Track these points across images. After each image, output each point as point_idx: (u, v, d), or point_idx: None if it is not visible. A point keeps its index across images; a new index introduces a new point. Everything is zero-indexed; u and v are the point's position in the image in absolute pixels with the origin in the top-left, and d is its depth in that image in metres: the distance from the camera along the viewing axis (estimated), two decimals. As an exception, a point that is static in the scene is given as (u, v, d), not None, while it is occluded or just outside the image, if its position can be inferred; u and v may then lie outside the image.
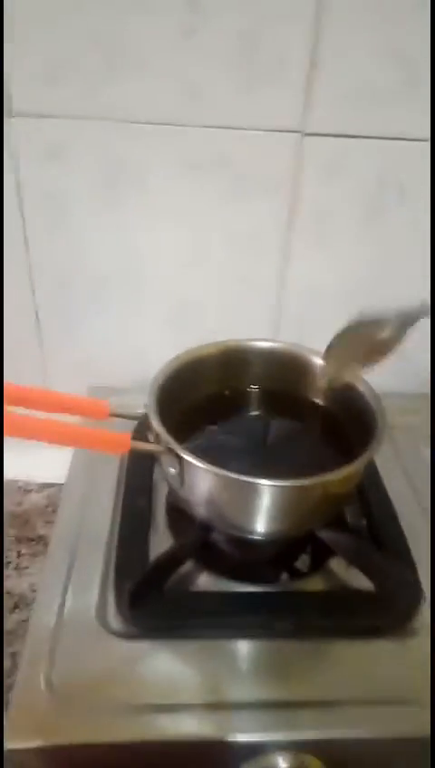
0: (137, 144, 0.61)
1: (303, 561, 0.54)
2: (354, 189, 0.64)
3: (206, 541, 0.52)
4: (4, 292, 0.68)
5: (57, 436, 0.43)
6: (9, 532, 0.65)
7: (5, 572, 0.61)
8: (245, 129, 0.60)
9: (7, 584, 0.60)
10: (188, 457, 0.45)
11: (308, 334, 0.71)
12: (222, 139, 0.61)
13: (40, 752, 0.40)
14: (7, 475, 0.71)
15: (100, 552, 0.53)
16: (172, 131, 0.60)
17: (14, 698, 0.42)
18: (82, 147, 0.61)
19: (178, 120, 0.60)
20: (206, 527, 0.52)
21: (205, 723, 0.42)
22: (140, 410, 0.51)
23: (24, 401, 0.48)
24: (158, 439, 0.48)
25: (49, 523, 0.66)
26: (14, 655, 0.53)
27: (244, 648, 0.47)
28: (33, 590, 0.59)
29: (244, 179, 0.63)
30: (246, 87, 0.58)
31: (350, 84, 0.58)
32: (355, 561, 0.51)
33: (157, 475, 0.60)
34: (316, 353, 0.56)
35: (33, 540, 0.65)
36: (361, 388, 0.53)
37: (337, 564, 0.53)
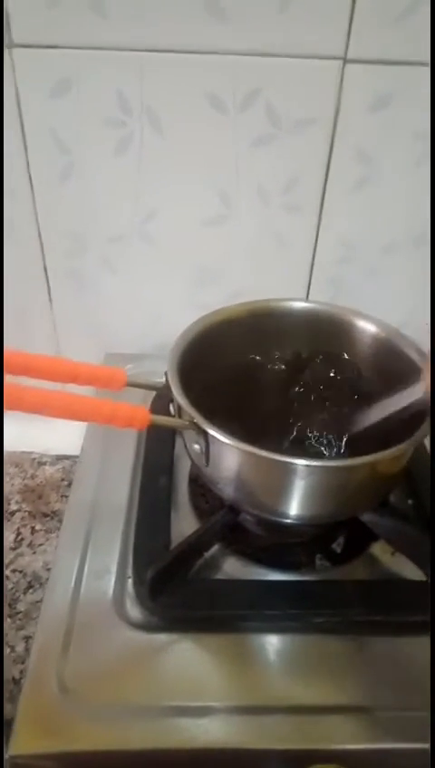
0: (153, 77, 0.54)
1: (340, 546, 0.49)
2: (402, 126, 0.56)
3: (233, 523, 0.48)
4: (12, 253, 0.63)
5: (67, 411, 0.38)
6: (23, 507, 0.62)
7: (19, 549, 0.58)
8: (278, 55, 0.53)
9: (21, 562, 0.56)
10: (214, 433, 0.40)
11: (341, 298, 0.65)
12: (252, 68, 0.53)
13: (50, 758, 0.36)
14: (20, 446, 0.67)
15: (117, 534, 0.49)
16: (194, 61, 0.53)
17: (23, 699, 0.38)
18: (92, 81, 0.54)
19: (201, 46, 0.52)
20: (233, 508, 0.47)
21: (231, 729, 0.38)
22: (160, 379, 0.46)
23: (31, 370, 0.43)
24: (180, 412, 0.43)
25: (64, 497, 0.62)
26: (27, 639, 0.49)
27: (277, 643, 0.42)
28: (48, 569, 0.55)
29: (275, 117, 0.55)
30: (280, 6, 0.50)
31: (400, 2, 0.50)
32: (402, 546, 0.46)
33: (178, 448, 0.56)
34: (359, 314, 0.50)
35: (47, 515, 0.61)
36: (411, 357, 0.47)
37: (380, 550, 0.48)
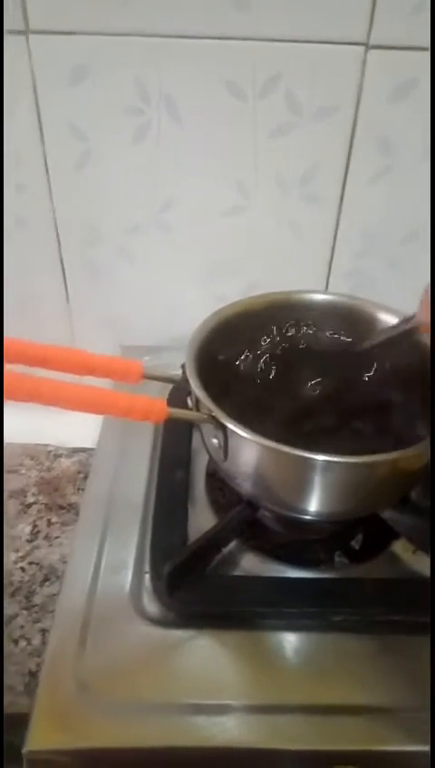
0: (172, 64, 0.53)
1: (359, 543, 0.48)
2: (425, 114, 0.54)
3: (252, 519, 0.47)
4: (27, 243, 0.62)
5: (83, 403, 0.37)
6: (39, 500, 0.61)
7: (35, 542, 0.57)
8: (299, 41, 0.51)
9: (37, 555, 0.56)
10: (233, 427, 0.39)
11: (360, 291, 0.64)
12: (272, 55, 0.52)
13: (66, 754, 0.36)
14: (36, 439, 0.67)
15: (134, 528, 0.49)
16: (213, 47, 0.52)
17: (39, 694, 0.38)
18: (109, 68, 0.53)
19: (220, 32, 0.51)
20: (251, 504, 0.46)
21: (248, 728, 0.37)
22: (177, 372, 0.45)
23: (48, 362, 0.42)
24: (198, 405, 0.42)
25: (80, 490, 0.62)
26: (43, 632, 0.49)
27: (295, 641, 0.42)
28: (64, 562, 0.55)
29: (296, 105, 0.54)
30: (302, -9, 0.49)
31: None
32: (423, 545, 0.45)
33: (195, 442, 0.55)
34: (380, 306, 0.49)
35: (63, 508, 0.61)
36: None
37: (401, 548, 0.47)
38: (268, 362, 0.51)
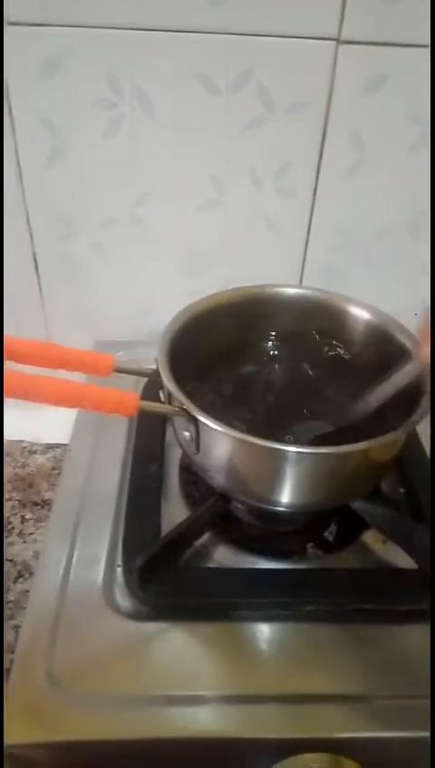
0: (144, 57, 0.52)
1: (332, 534, 0.49)
2: (397, 109, 0.55)
3: (224, 511, 0.47)
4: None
5: (53, 396, 0.37)
6: (13, 496, 0.61)
7: (9, 538, 0.57)
8: (271, 35, 0.51)
9: (11, 551, 0.56)
10: (204, 420, 0.40)
11: (334, 285, 0.64)
12: (245, 49, 0.52)
13: (39, 748, 0.36)
14: (10, 435, 0.66)
15: (107, 522, 0.48)
16: (186, 40, 0.52)
17: (10, 688, 0.38)
18: (81, 61, 0.53)
19: (193, 26, 0.51)
20: (224, 496, 0.46)
21: (222, 718, 0.37)
22: (150, 366, 0.45)
23: (18, 356, 0.42)
24: (170, 399, 0.42)
25: (55, 486, 0.61)
26: (16, 628, 0.49)
27: (268, 631, 0.42)
28: (38, 558, 0.54)
29: (268, 99, 0.54)
30: (273, -15, 0.49)
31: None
32: (393, 535, 0.45)
33: (169, 436, 0.55)
34: (352, 301, 0.49)
35: (38, 504, 0.60)
36: (402, 341, 0.46)
37: (372, 538, 0.47)
38: (241, 356, 0.51)
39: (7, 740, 0.35)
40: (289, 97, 0.54)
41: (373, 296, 0.53)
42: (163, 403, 0.43)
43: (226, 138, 0.56)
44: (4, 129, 0.56)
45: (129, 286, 0.66)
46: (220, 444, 0.41)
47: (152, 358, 0.46)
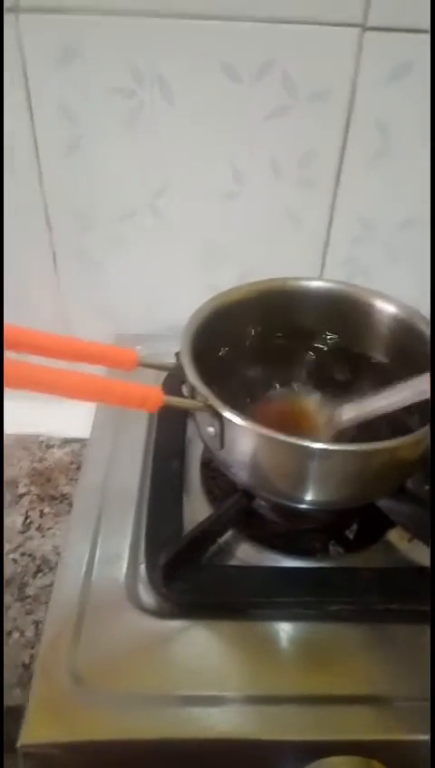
0: (165, 44, 0.51)
1: (355, 532, 0.48)
2: (422, 97, 0.53)
3: (247, 508, 0.46)
4: (17, 230, 0.61)
5: (79, 391, 0.36)
6: (31, 490, 0.61)
7: (28, 533, 0.57)
8: (294, 22, 0.50)
9: (30, 546, 0.55)
10: (229, 415, 0.39)
11: (356, 278, 0.63)
12: (267, 36, 0.51)
13: (61, 748, 0.35)
14: (28, 429, 0.66)
15: (128, 518, 0.48)
16: (208, 27, 0.51)
17: (34, 687, 0.37)
18: (101, 48, 0.52)
19: (215, 12, 0.50)
20: (247, 493, 0.46)
21: (244, 719, 0.36)
22: (171, 360, 0.44)
23: (41, 349, 0.42)
24: (193, 393, 0.41)
25: (73, 480, 0.61)
26: (36, 623, 0.49)
27: (291, 631, 0.41)
28: (58, 553, 0.54)
29: (292, 87, 0.53)
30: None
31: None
32: (420, 533, 0.44)
33: (190, 432, 0.54)
34: (377, 294, 0.48)
35: (56, 498, 0.60)
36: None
37: (397, 537, 0.47)
38: (263, 350, 0.50)
39: (29, 739, 0.35)
40: (313, 85, 0.53)
41: (396, 290, 0.51)
42: (187, 398, 0.43)
43: (247, 127, 0.55)
44: (23, 117, 0.55)
45: (147, 279, 0.66)
46: (245, 440, 0.40)
47: (171, 351, 0.45)
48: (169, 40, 0.51)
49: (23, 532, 0.56)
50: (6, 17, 0.50)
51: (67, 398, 0.37)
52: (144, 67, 0.52)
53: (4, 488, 0.60)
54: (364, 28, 0.50)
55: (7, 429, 0.65)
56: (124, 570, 0.44)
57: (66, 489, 0.61)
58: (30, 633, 0.48)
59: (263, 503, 0.47)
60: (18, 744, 0.35)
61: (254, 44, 0.51)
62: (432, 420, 0.39)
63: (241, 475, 0.43)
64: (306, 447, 0.37)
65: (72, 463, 0.64)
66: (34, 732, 0.35)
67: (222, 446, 0.41)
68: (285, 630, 0.41)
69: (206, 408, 0.40)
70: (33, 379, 0.35)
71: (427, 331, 0.46)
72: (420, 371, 0.40)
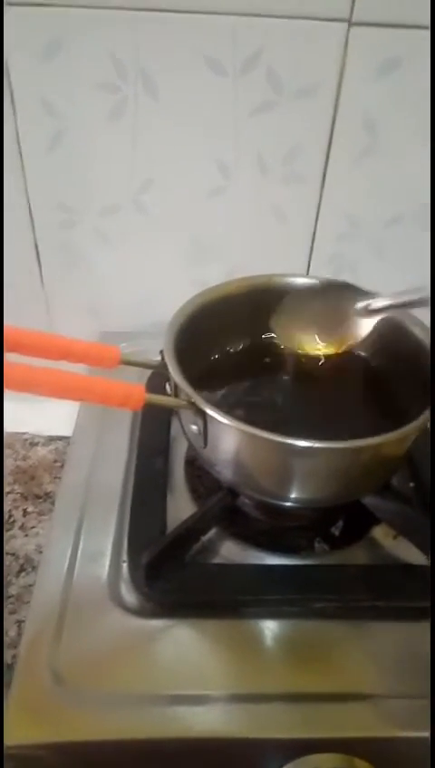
0: (149, 38, 0.51)
1: (340, 529, 0.48)
2: (409, 93, 0.53)
3: (232, 506, 0.46)
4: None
5: (58, 389, 0.36)
6: (14, 489, 0.60)
7: (11, 531, 0.56)
8: (280, 16, 0.50)
9: (13, 545, 0.55)
10: (212, 413, 0.38)
11: (343, 275, 0.63)
12: (253, 30, 0.50)
13: (42, 748, 0.35)
14: (12, 427, 0.65)
15: (111, 516, 0.47)
16: (193, 21, 0.50)
17: (14, 686, 0.37)
18: (84, 42, 0.51)
19: (200, 6, 0.49)
20: (232, 491, 0.45)
21: (229, 717, 0.36)
22: (156, 357, 0.44)
23: (22, 347, 0.41)
24: (177, 391, 0.41)
25: (57, 479, 0.61)
26: (19, 623, 0.48)
27: (276, 628, 0.41)
28: (41, 552, 0.54)
29: (277, 83, 0.53)
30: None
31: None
32: (404, 530, 0.45)
33: (174, 430, 0.54)
34: (365, 293, 0.48)
35: (39, 497, 0.60)
36: (417, 336, 0.45)
37: (382, 534, 0.46)
38: (249, 348, 0.50)
39: (10, 740, 0.35)
40: (298, 80, 0.53)
41: (383, 287, 0.51)
42: (170, 396, 0.42)
43: (233, 122, 0.55)
44: (5, 112, 0.54)
45: (132, 275, 0.65)
46: (229, 438, 0.40)
47: (156, 349, 0.44)
48: (152, 34, 0.51)
49: (6, 531, 0.56)
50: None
51: (47, 396, 0.36)
52: (128, 62, 0.52)
53: (4, 485, 0.60)
54: (351, 23, 0.50)
55: (-9, 427, 0.65)
56: (107, 568, 0.44)
57: (50, 488, 0.60)
58: (13, 633, 0.48)
59: (247, 500, 0.47)
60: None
61: (238, 39, 0.51)
62: (432, 420, 0.39)
63: (225, 473, 0.43)
64: (291, 445, 0.37)
65: (55, 461, 0.63)
66: (15, 733, 0.35)
67: (206, 443, 0.41)
68: (270, 628, 0.41)
69: (189, 405, 0.39)
70: (9, 377, 0.34)
71: (411, 327, 0.46)
72: (405, 368, 0.41)
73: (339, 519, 0.49)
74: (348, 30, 0.50)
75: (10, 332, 0.40)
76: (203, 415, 0.39)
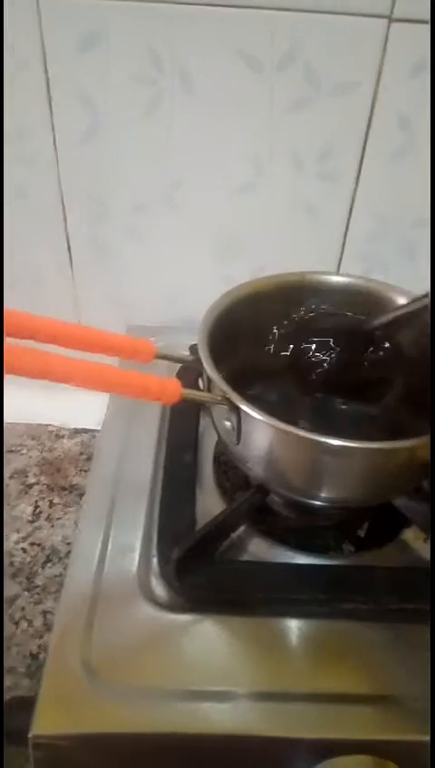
0: (186, 32, 0.51)
1: (365, 530, 0.48)
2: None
3: (261, 504, 0.46)
4: (32, 218, 0.61)
5: (96, 382, 0.36)
6: (41, 480, 0.60)
7: (37, 523, 0.56)
8: (320, 12, 0.49)
9: (39, 536, 0.55)
10: (247, 409, 0.38)
11: (374, 274, 0.62)
12: (291, 25, 0.50)
13: (73, 739, 0.35)
14: (37, 418, 0.66)
15: (141, 510, 0.47)
16: (230, 15, 0.50)
17: (46, 678, 0.37)
18: (121, 35, 0.51)
19: (238, 1, 0.49)
20: (262, 488, 0.45)
21: (255, 715, 0.36)
22: (184, 352, 0.44)
23: (56, 338, 0.41)
24: (210, 387, 0.41)
25: (83, 471, 0.61)
26: (45, 613, 0.48)
27: (304, 628, 0.40)
28: (67, 543, 0.54)
29: (315, 79, 0.52)
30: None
31: None
32: (435, 533, 0.44)
33: (203, 425, 0.54)
34: (397, 290, 0.47)
35: (65, 489, 0.60)
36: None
37: (412, 536, 0.46)
38: (281, 344, 0.50)
39: (40, 730, 0.35)
40: (336, 77, 0.52)
41: (414, 287, 0.51)
42: (203, 391, 0.42)
43: (268, 118, 0.55)
44: (41, 105, 0.54)
45: (161, 271, 0.65)
46: (263, 435, 0.39)
47: (184, 343, 0.44)
48: (189, 28, 0.50)
49: (32, 522, 0.56)
50: (27, 1, 0.49)
51: (84, 388, 0.36)
52: (165, 55, 0.52)
53: (11, 479, 0.60)
54: (391, 19, 0.50)
55: (18, 419, 0.65)
56: (136, 562, 0.44)
57: (76, 480, 0.61)
58: (38, 623, 0.48)
59: (277, 498, 0.47)
60: (29, 735, 0.34)
61: (276, 34, 0.50)
62: (432, 421, 0.38)
63: (257, 470, 0.43)
64: (325, 444, 0.36)
65: (81, 453, 0.63)
66: (46, 723, 0.35)
67: (238, 440, 0.40)
68: (297, 627, 0.40)
69: (223, 401, 0.39)
70: (48, 368, 0.34)
71: None
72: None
73: (368, 521, 0.48)
74: (388, 26, 0.50)
75: (46, 325, 0.41)
76: (237, 411, 0.39)
